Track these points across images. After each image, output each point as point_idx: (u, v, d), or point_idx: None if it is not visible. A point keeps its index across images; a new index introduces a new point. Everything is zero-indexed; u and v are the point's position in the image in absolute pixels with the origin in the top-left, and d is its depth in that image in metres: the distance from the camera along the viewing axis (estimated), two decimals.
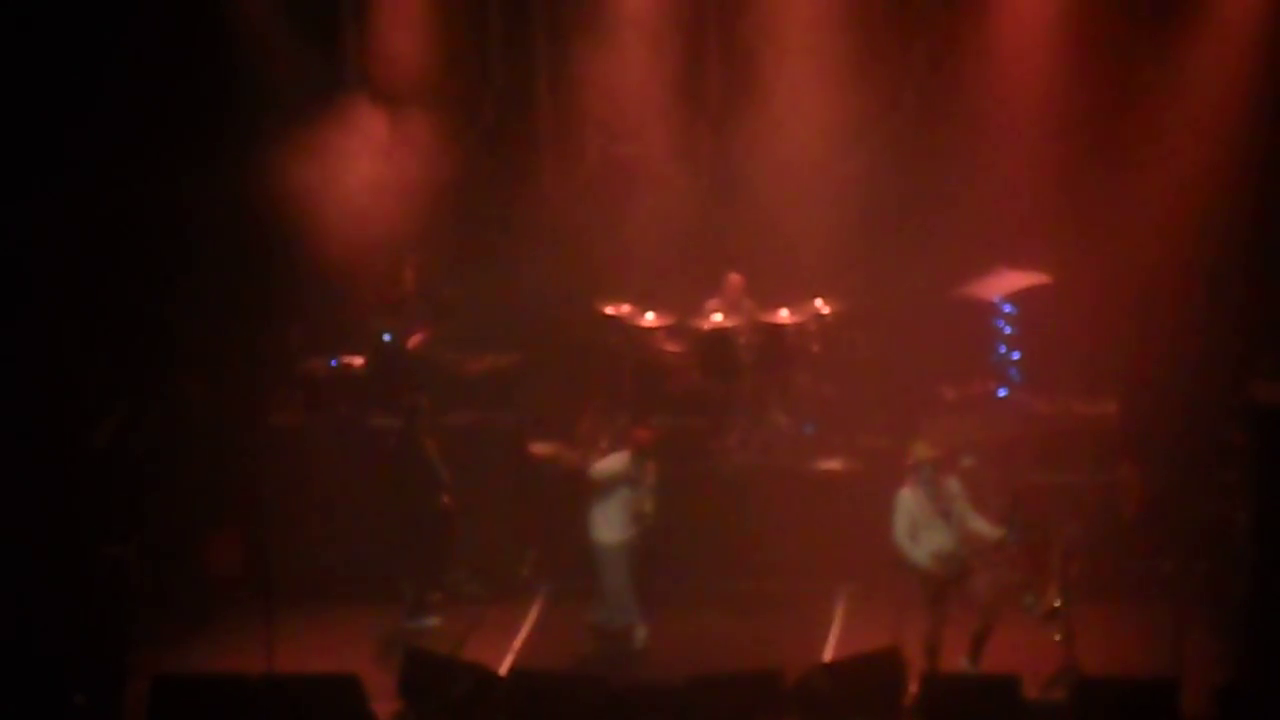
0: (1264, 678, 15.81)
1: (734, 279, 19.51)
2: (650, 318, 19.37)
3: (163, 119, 18.95)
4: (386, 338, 19.40)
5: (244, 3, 19.42)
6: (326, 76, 19.74)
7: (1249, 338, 17.85)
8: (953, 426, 18.12)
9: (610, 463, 17.54)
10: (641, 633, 17.51)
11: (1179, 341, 18.71)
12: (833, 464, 18.99)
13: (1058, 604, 16.23)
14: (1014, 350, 19.41)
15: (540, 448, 19.38)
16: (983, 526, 16.23)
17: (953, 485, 16.33)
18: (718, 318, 19.35)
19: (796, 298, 19.26)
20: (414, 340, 19.38)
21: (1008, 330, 19.40)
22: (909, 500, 16.29)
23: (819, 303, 19.22)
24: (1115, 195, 19.13)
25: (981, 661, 16.30)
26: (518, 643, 17.68)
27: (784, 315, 19.20)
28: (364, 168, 19.43)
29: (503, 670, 16.78)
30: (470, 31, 20.09)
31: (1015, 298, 19.24)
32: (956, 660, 16.32)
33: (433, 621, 18.09)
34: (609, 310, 19.38)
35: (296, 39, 19.60)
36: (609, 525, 17.46)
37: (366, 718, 15.64)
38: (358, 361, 19.43)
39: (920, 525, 16.21)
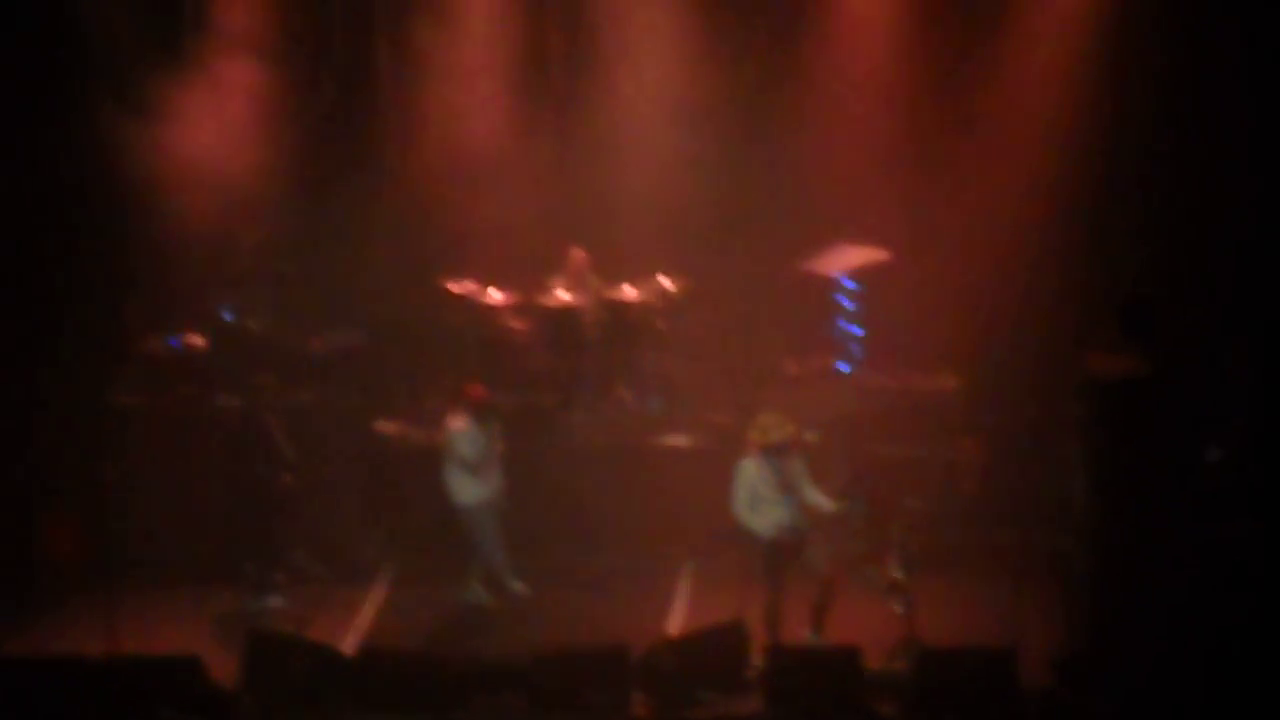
0: (1100, 648, 16.02)
1: (577, 255, 19.53)
2: (495, 295, 19.34)
3: None
4: (227, 316, 19.22)
5: None
6: (166, 49, 19.47)
7: (1086, 311, 18.05)
8: (795, 400, 18.24)
9: (453, 424, 17.49)
10: (519, 585, 17.55)
11: (1017, 316, 18.90)
12: (678, 439, 19.06)
13: (898, 576, 16.38)
14: (855, 325, 19.58)
15: (385, 426, 19.29)
16: (821, 500, 16.34)
17: (795, 462, 16.43)
18: (562, 294, 19.35)
19: (641, 274, 19.31)
20: (255, 318, 19.21)
21: (849, 305, 19.58)
22: (751, 472, 16.34)
23: (663, 279, 19.27)
24: (956, 170, 19.30)
25: (824, 632, 16.43)
26: (363, 622, 17.60)
27: (628, 292, 19.25)
28: (204, 142, 19.22)
29: (347, 649, 16.72)
30: (311, 6, 19.92)
31: (856, 273, 19.42)
32: (800, 632, 16.44)
33: (276, 601, 17.97)
34: (454, 288, 19.33)
35: (137, 9, 19.36)
36: (465, 488, 17.45)
37: (210, 697, 15.52)
38: (198, 340, 19.24)
39: (760, 497, 16.29)
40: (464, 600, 17.69)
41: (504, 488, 17.69)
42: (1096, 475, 16.52)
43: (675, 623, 17.39)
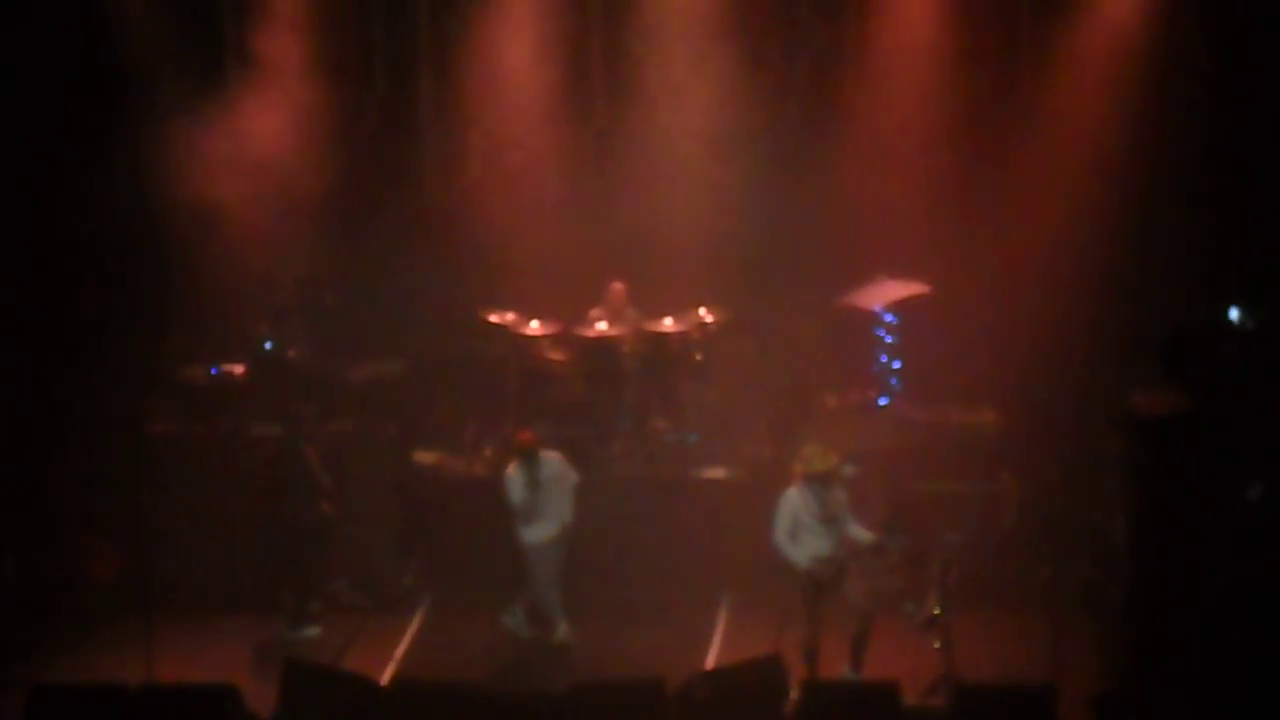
0: (1139, 685, 15.96)
1: (616, 287, 19.54)
2: (534, 326, 19.35)
3: (31, 114, 18.74)
4: (268, 345, 19.28)
5: (120, 5, 19.27)
6: (207, 78, 19.56)
7: (1127, 347, 18.03)
8: (833, 434, 18.22)
9: (510, 474, 17.52)
10: (564, 629, 17.54)
11: (1057, 351, 18.87)
12: (716, 472, 19.04)
13: (937, 612, 16.33)
14: (895, 359, 19.55)
15: (423, 456, 19.32)
16: (860, 533, 16.35)
17: (838, 493, 16.42)
18: (602, 326, 19.37)
19: (680, 306, 19.31)
20: (295, 348, 19.27)
21: (888, 339, 19.55)
22: (794, 501, 16.37)
23: (702, 311, 19.27)
24: (995, 205, 19.32)
25: (863, 668, 16.39)
26: (399, 652, 17.61)
27: (668, 324, 19.24)
28: (245, 173, 19.29)
29: (384, 680, 16.73)
30: (353, 36, 20.02)
31: (896, 307, 19.39)
32: (838, 667, 16.41)
33: (313, 631, 17.99)
34: (493, 318, 19.34)
35: (177, 40, 19.44)
36: (519, 530, 17.50)
37: None
38: (238, 369, 19.30)
39: (802, 527, 16.32)
40: (502, 624, 17.65)
41: (568, 528, 17.55)
42: (1136, 511, 16.49)
43: (712, 656, 17.37)
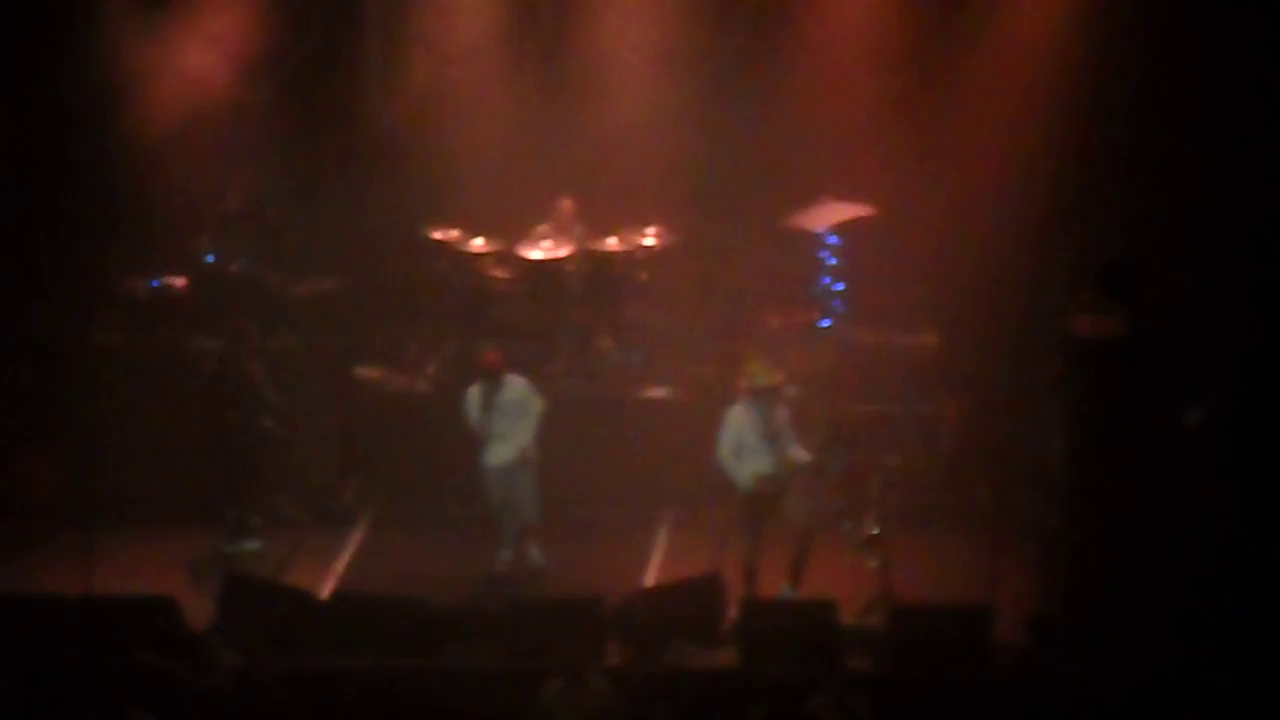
0: (1074, 608, 16.08)
1: (565, 204, 19.49)
2: (479, 243, 19.30)
3: None
4: (210, 259, 19.18)
5: None
6: None
7: (1069, 270, 18.08)
8: (776, 355, 18.25)
9: (470, 394, 17.45)
10: (504, 554, 17.46)
11: (999, 274, 18.90)
12: (658, 391, 19.08)
13: (875, 531, 16.42)
14: (837, 281, 19.58)
15: (366, 372, 19.29)
16: (799, 452, 16.40)
17: (781, 411, 16.46)
18: (547, 244, 19.32)
19: (625, 225, 19.28)
20: (238, 262, 19.18)
21: (831, 261, 19.57)
22: (740, 418, 16.41)
23: (648, 231, 19.25)
24: (939, 128, 19.27)
25: (801, 587, 16.48)
26: (339, 567, 17.62)
27: (612, 243, 19.22)
28: (187, 84, 19.14)
29: (324, 594, 16.74)
30: None
31: (839, 229, 19.40)
32: (777, 586, 16.49)
33: (253, 545, 17.98)
34: (437, 235, 19.30)
35: None
36: (484, 450, 17.39)
37: (184, 638, 15.53)
38: (180, 283, 19.20)
39: (745, 446, 16.35)
40: (496, 560, 17.54)
41: (525, 453, 17.32)
42: (1075, 435, 16.59)
43: (652, 574, 17.42)
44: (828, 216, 19.35)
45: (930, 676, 15.34)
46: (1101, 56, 18.98)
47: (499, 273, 19.39)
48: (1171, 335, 16.41)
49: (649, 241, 19.22)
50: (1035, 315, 17.94)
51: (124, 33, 19.13)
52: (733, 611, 16.12)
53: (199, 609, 16.09)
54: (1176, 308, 16.80)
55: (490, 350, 17.58)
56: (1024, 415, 17.82)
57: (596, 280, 19.23)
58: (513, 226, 19.47)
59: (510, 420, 17.34)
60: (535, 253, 19.24)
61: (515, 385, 17.44)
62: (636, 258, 19.22)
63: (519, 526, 17.45)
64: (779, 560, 16.48)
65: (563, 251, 19.25)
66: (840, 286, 19.58)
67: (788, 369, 17.33)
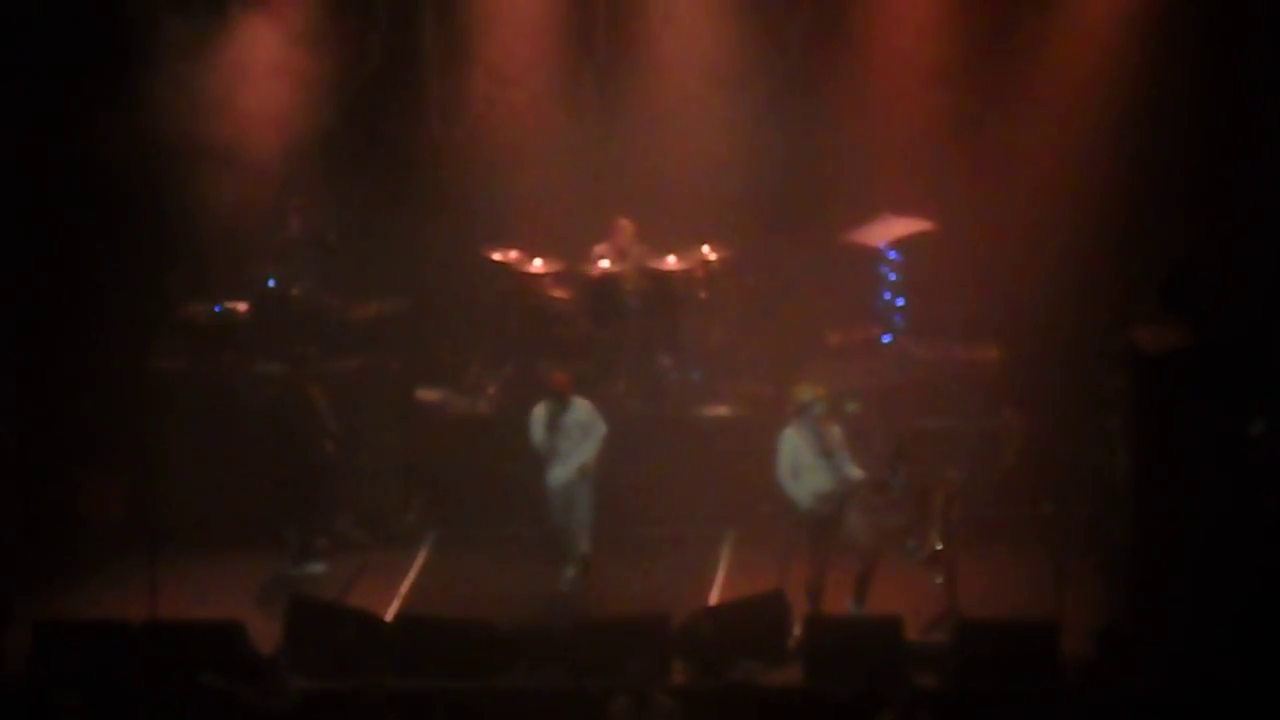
0: (1141, 621, 16.01)
1: (623, 224, 19.50)
2: (538, 264, 19.34)
3: (36, 53, 18.71)
4: (271, 283, 19.28)
5: None
6: (211, 17, 19.49)
7: (1129, 284, 18.01)
8: (837, 371, 18.25)
9: (535, 415, 17.46)
10: (570, 573, 17.49)
11: (1060, 288, 18.87)
12: (719, 409, 19.08)
13: (939, 547, 16.38)
14: (898, 296, 19.55)
15: (427, 394, 19.34)
16: (854, 470, 16.39)
17: (834, 429, 16.45)
18: (605, 264, 19.35)
19: (684, 244, 19.29)
20: (298, 286, 19.26)
21: (892, 276, 19.53)
22: (793, 439, 16.43)
23: (706, 249, 19.25)
24: (999, 143, 19.25)
25: (867, 603, 16.44)
26: (404, 588, 17.67)
27: (671, 261, 19.23)
28: (248, 109, 19.24)
29: (388, 616, 16.79)
30: None
31: (899, 244, 19.36)
32: (842, 603, 16.46)
33: (318, 568, 18.05)
34: (496, 256, 19.33)
35: None
36: (548, 470, 17.42)
37: (251, 660, 15.58)
38: (242, 307, 19.29)
39: (802, 465, 16.37)
40: (562, 580, 17.54)
41: (586, 471, 17.34)
42: (1139, 448, 16.50)
43: (716, 592, 17.42)
44: (887, 232, 19.33)
45: (997, 692, 15.29)
46: (1157, 67, 19.00)
47: (558, 293, 19.43)
48: (1234, 346, 16.31)
49: (708, 259, 19.22)
50: (1097, 328, 17.87)
51: (185, 59, 19.24)
52: (798, 629, 16.11)
53: (265, 632, 16.16)
54: (1238, 319, 16.70)
55: (559, 372, 17.62)
56: (1087, 429, 17.75)
57: (655, 298, 19.24)
58: (572, 247, 19.49)
59: (574, 442, 17.38)
60: (594, 272, 19.27)
61: (581, 408, 17.46)
62: (695, 275, 19.22)
63: (566, 544, 17.45)
64: (844, 578, 16.45)
65: (621, 270, 19.27)
66: (901, 301, 19.54)
67: (849, 385, 17.33)
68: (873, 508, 16.59)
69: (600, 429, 17.43)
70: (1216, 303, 16.54)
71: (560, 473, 17.38)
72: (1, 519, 17.44)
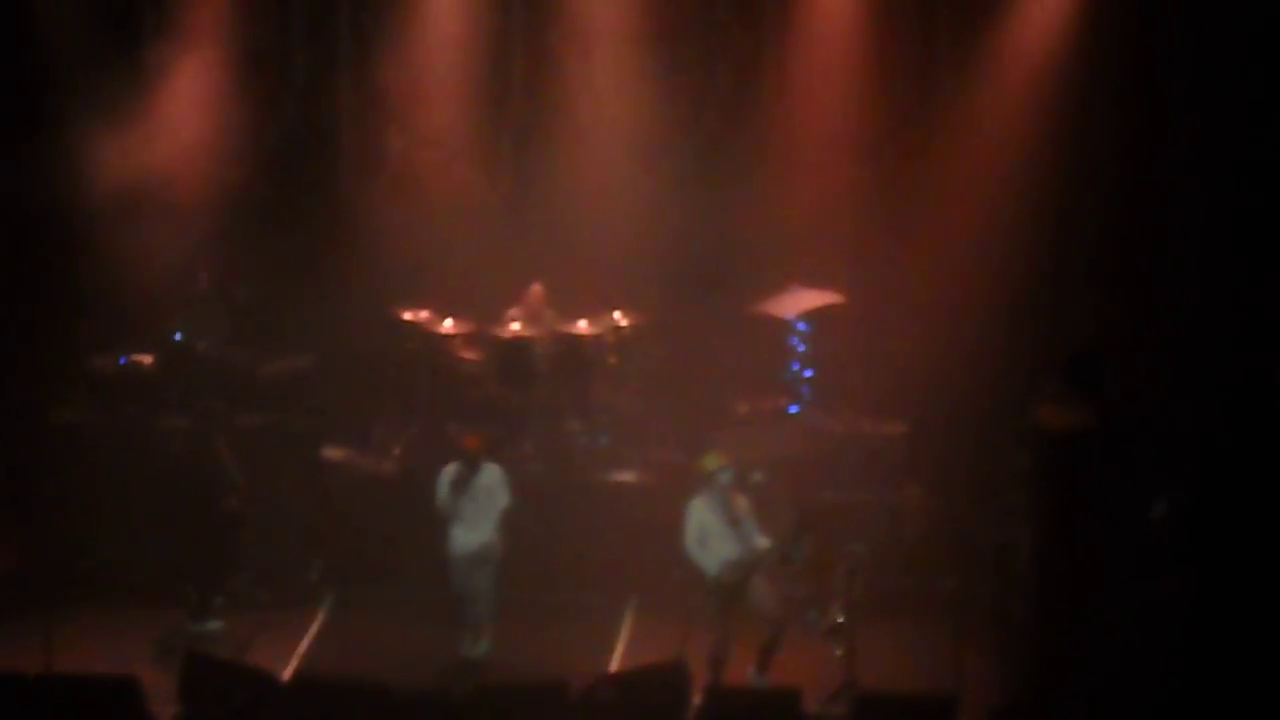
0: (1041, 699, 16.05)
1: (535, 289, 19.53)
2: (448, 324, 19.33)
3: None
4: (178, 336, 19.17)
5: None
6: (124, 71, 19.45)
7: (1035, 362, 18.14)
8: (744, 440, 18.27)
9: (443, 475, 17.28)
10: (482, 649, 17.31)
11: (967, 364, 18.97)
12: (626, 475, 19.08)
13: (840, 620, 16.39)
14: (806, 368, 19.63)
15: (333, 452, 19.25)
16: (761, 540, 16.41)
17: (741, 499, 16.48)
18: (516, 327, 19.35)
19: (595, 309, 19.32)
20: (205, 340, 19.16)
21: (801, 348, 19.62)
22: (700, 508, 16.46)
23: (617, 315, 19.31)
24: (910, 217, 19.43)
25: (768, 673, 16.43)
26: (302, 648, 17.53)
27: (582, 326, 19.26)
28: (160, 162, 19.19)
29: (285, 675, 16.65)
30: (272, 30, 19.93)
31: (809, 316, 19.46)
32: (744, 673, 16.44)
33: (216, 625, 17.89)
34: (407, 315, 19.31)
35: (95, 28, 19.33)
36: (451, 533, 17.22)
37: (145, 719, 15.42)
38: (147, 360, 19.17)
39: (709, 534, 16.39)
40: (461, 651, 17.35)
41: (489, 546, 17.16)
42: (1041, 526, 16.59)
43: (616, 660, 17.37)
44: (797, 303, 19.42)
45: None
46: (1073, 146, 19.15)
47: (468, 354, 19.42)
48: (1136, 428, 16.44)
49: (619, 325, 19.25)
50: (1002, 406, 17.97)
51: (97, 110, 19.17)
52: (697, 699, 16.04)
53: (161, 689, 15.95)
54: (1141, 400, 16.85)
55: (471, 434, 17.49)
56: (990, 505, 17.84)
57: (565, 362, 19.25)
58: (483, 309, 19.48)
59: (478, 507, 17.25)
60: (504, 334, 19.26)
61: (490, 473, 17.31)
62: (606, 341, 19.26)
63: (475, 618, 17.34)
64: (746, 647, 16.43)
65: (532, 333, 19.27)
66: (809, 373, 19.64)
67: (755, 454, 17.34)
68: (777, 578, 16.60)
69: (503, 499, 17.25)
70: (1119, 384, 16.66)
71: (463, 539, 17.27)
72: None
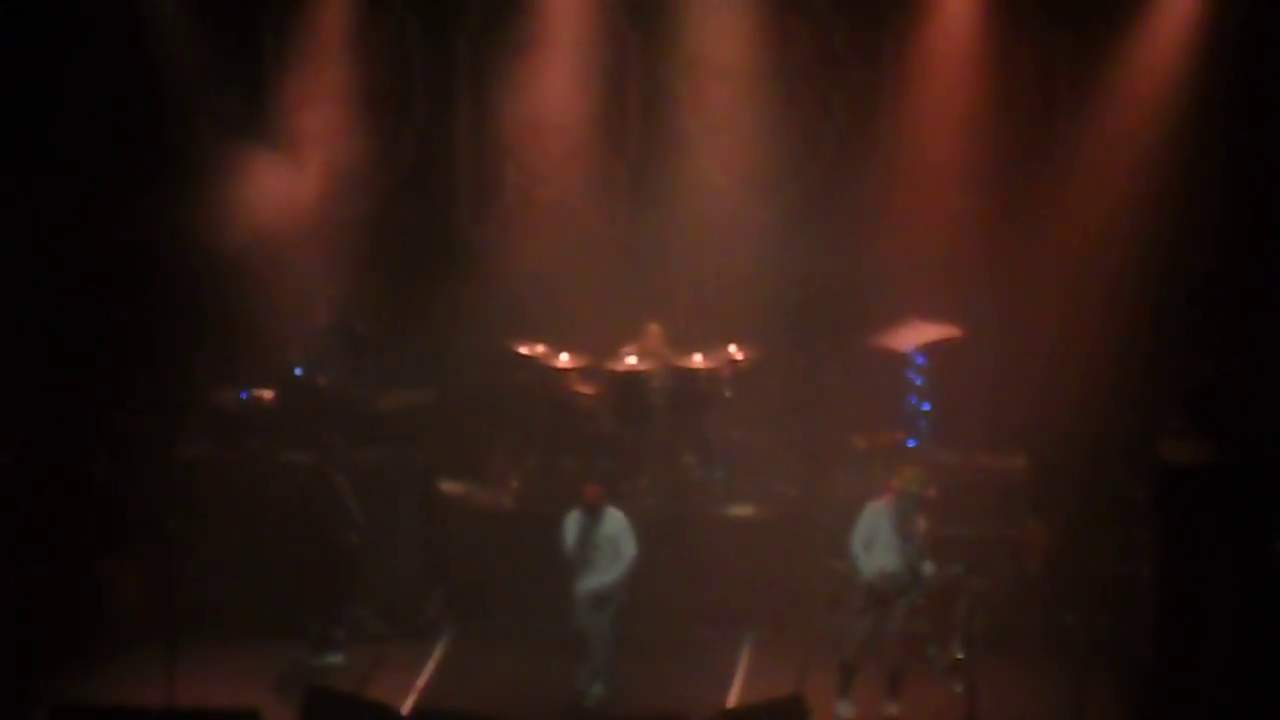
0: None
1: (653, 329, 19.51)
2: (564, 359, 19.35)
3: (75, 146, 18.85)
4: (298, 371, 19.31)
5: (166, 35, 19.38)
6: (247, 109, 19.66)
7: (1157, 395, 17.99)
8: (863, 475, 18.21)
9: (568, 525, 17.31)
10: (598, 690, 17.25)
11: (1088, 397, 18.85)
12: (742, 509, 19.02)
13: (960, 656, 16.30)
14: (924, 401, 19.53)
15: (450, 486, 19.32)
16: (929, 567, 16.58)
17: (920, 520, 16.64)
18: (632, 361, 19.36)
19: (711, 343, 19.31)
20: (325, 375, 19.30)
21: (919, 381, 19.52)
22: (879, 512, 16.65)
23: (733, 348, 19.26)
24: (1028, 249, 19.31)
25: (899, 699, 16.38)
26: (421, 681, 17.60)
27: (698, 360, 19.24)
28: (283, 200, 19.35)
29: (405, 709, 16.71)
30: (391, 67, 20.09)
31: (927, 349, 19.36)
32: (870, 711, 16.35)
33: (336, 659, 17.99)
34: (523, 350, 19.35)
35: (218, 69, 19.58)
36: (578, 578, 17.21)
37: None
38: (268, 395, 19.32)
39: (879, 539, 16.55)
40: (579, 689, 17.30)
41: (615, 587, 17.14)
42: (1162, 561, 16.42)
43: (734, 694, 17.32)
44: (915, 337, 19.33)
45: None
46: (1190, 176, 18.98)
47: (583, 388, 19.43)
48: (1260, 462, 16.25)
49: (735, 359, 19.22)
50: (1124, 439, 17.83)
51: (220, 146, 19.40)
52: None
53: None
54: (1267, 434, 16.66)
55: (592, 485, 17.42)
56: (1112, 540, 17.68)
57: (681, 396, 19.23)
58: (598, 343, 19.52)
59: (603, 555, 17.24)
60: (620, 368, 19.29)
61: (614, 521, 17.27)
62: (721, 374, 19.23)
63: (594, 656, 17.32)
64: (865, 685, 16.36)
65: (647, 367, 19.28)
66: (927, 407, 19.53)
67: (873, 489, 17.30)
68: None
69: (629, 548, 17.23)
70: (1244, 417, 16.49)
71: (589, 581, 17.26)
72: (24, 602, 17.44)
